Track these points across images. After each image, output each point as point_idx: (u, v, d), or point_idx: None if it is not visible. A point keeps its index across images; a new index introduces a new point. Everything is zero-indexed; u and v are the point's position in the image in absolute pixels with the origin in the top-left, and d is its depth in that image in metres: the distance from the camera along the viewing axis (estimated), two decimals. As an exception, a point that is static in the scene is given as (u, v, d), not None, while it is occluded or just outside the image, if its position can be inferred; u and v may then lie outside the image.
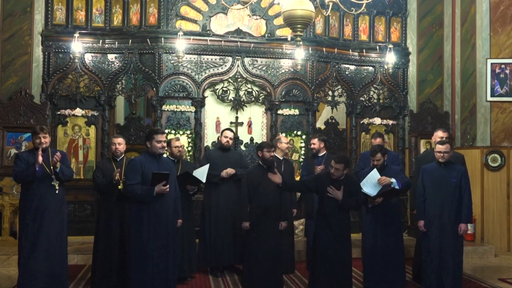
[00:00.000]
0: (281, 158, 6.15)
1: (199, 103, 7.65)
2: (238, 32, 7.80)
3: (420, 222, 5.14)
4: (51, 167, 4.83)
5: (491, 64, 7.46)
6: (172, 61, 7.58)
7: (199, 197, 6.35)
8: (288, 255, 6.02)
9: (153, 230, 4.47)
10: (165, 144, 4.65)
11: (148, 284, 4.44)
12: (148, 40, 7.49)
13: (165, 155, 6.62)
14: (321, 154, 6.21)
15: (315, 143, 6.21)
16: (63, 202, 5.01)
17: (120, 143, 5.26)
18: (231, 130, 6.33)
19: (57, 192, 4.89)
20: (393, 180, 4.93)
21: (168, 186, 4.45)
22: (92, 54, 7.60)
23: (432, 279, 5.00)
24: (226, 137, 6.13)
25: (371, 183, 4.94)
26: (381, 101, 8.40)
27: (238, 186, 5.91)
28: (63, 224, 4.98)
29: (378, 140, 6.22)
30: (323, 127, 8.33)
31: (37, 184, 4.81)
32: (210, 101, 7.86)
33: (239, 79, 7.80)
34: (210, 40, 7.63)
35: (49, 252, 4.81)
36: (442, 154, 5.02)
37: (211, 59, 7.72)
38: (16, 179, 4.87)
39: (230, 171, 5.96)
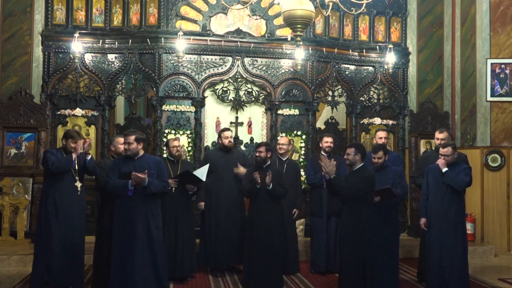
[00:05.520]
0: (283, 159, 6.15)
1: (199, 103, 7.65)
2: (238, 32, 7.79)
3: (422, 220, 5.21)
4: (81, 159, 4.99)
5: (491, 64, 7.45)
6: (172, 61, 7.57)
7: (199, 197, 6.35)
8: (290, 255, 6.03)
9: (121, 233, 4.69)
10: (128, 146, 4.78)
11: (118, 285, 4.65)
12: (148, 40, 7.49)
13: (164, 155, 6.70)
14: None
15: (331, 141, 6.23)
16: (83, 203, 5.17)
17: (122, 143, 5.27)
18: (230, 130, 6.33)
19: (79, 193, 5.04)
20: None
21: (143, 177, 4.60)
22: (92, 54, 7.60)
23: (434, 278, 5.01)
24: (227, 137, 6.12)
25: None
26: (381, 101, 8.40)
27: (238, 186, 5.92)
28: (82, 224, 5.13)
29: (383, 133, 6.24)
30: (323, 127, 8.32)
31: (60, 184, 4.94)
32: (210, 101, 7.86)
33: (239, 79, 7.80)
34: (210, 40, 7.63)
35: (68, 251, 4.94)
36: (442, 157, 5.06)
37: (211, 59, 7.72)
38: (53, 168, 4.87)
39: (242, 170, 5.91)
